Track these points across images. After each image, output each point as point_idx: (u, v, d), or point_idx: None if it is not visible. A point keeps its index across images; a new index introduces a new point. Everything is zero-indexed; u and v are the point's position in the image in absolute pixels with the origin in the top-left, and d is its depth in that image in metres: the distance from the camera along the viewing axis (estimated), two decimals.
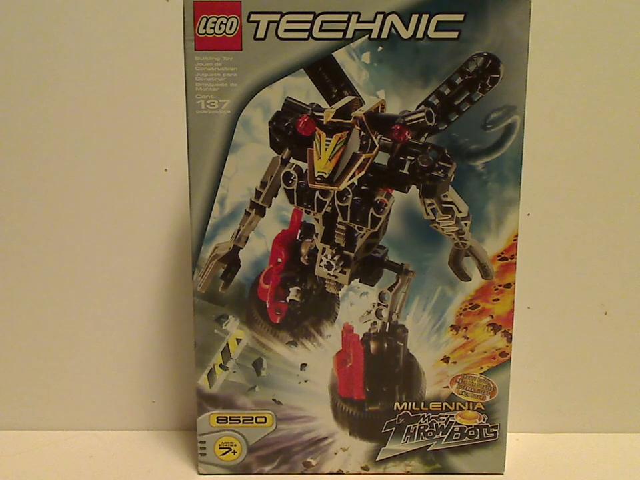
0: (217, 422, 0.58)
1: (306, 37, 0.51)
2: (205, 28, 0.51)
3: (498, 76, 0.51)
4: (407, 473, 0.59)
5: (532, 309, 0.66)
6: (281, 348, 0.57)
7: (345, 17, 0.51)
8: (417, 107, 0.52)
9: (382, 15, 0.50)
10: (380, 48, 0.51)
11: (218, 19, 0.51)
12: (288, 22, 0.51)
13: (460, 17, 0.50)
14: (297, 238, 0.55)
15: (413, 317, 0.56)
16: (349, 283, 0.55)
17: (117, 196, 0.65)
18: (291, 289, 0.56)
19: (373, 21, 0.51)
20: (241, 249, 0.55)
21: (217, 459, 0.59)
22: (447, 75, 0.51)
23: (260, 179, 0.54)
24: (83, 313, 0.67)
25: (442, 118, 0.52)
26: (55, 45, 0.63)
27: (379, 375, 0.57)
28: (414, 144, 0.51)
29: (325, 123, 0.51)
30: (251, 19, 0.51)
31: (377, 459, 0.59)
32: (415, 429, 0.58)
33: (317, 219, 0.54)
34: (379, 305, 0.56)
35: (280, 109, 0.52)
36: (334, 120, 0.50)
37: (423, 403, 0.58)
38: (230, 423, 0.58)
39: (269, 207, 0.54)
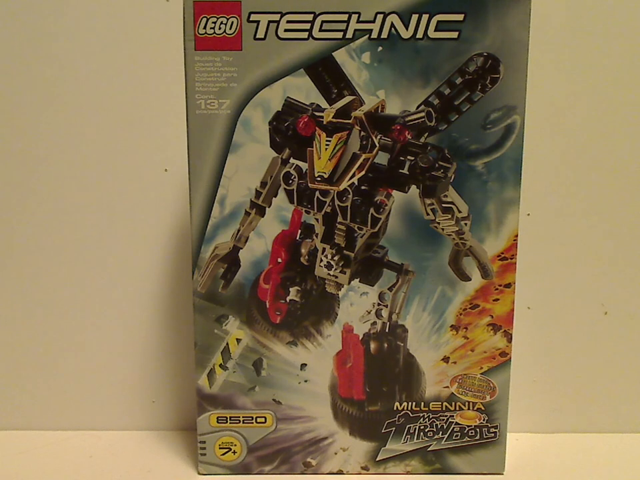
0: (217, 422, 0.58)
1: (306, 36, 0.51)
2: (205, 28, 0.51)
3: (498, 76, 0.51)
4: (407, 472, 0.59)
5: (532, 309, 0.66)
6: (281, 348, 0.57)
7: (345, 17, 0.51)
8: (417, 107, 0.52)
9: (382, 15, 0.50)
10: (380, 48, 0.51)
11: (218, 18, 0.51)
12: (288, 22, 0.51)
13: (460, 17, 0.50)
14: (297, 238, 0.55)
15: (413, 317, 0.56)
16: (349, 283, 0.55)
17: (117, 196, 0.65)
18: (291, 289, 0.56)
19: (373, 21, 0.51)
20: (241, 249, 0.55)
21: (217, 459, 0.59)
22: (447, 75, 0.51)
23: (260, 179, 0.54)
24: (83, 313, 0.67)
25: (442, 118, 0.52)
26: (55, 45, 0.63)
27: (379, 375, 0.57)
28: (414, 144, 0.51)
29: (324, 123, 0.51)
30: (250, 19, 0.51)
31: (377, 459, 0.59)
32: (415, 428, 0.58)
33: (317, 219, 0.54)
34: (378, 304, 0.56)
35: (280, 109, 0.52)
36: (334, 120, 0.50)
37: (422, 403, 0.58)
38: (230, 423, 0.58)
39: (268, 207, 0.54)
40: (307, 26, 0.51)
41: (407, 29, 0.51)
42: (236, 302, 0.56)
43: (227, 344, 0.57)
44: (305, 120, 0.51)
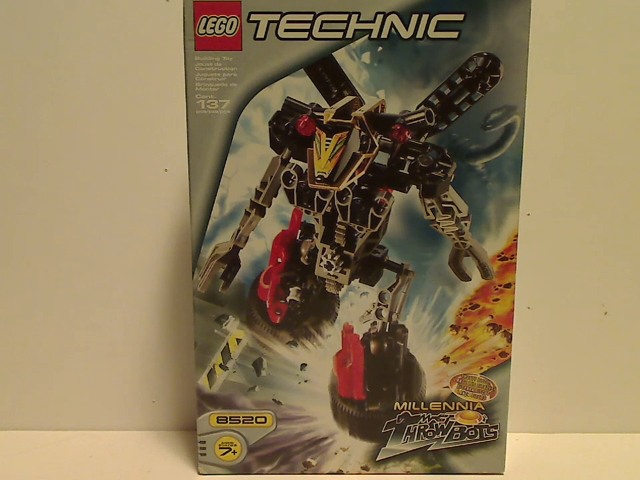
0: (217, 422, 0.58)
1: (306, 36, 0.51)
2: (205, 28, 0.51)
3: (498, 76, 0.51)
4: (407, 472, 0.59)
5: (532, 309, 0.66)
6: (281, 348, 0.57)
7: (345, 17, 0.51)
8: (417, 107, 0.52)
9: (382, 15, 0.50)
10: (380, 48, 0.51)
11: (218, 18, 0.51)
12: (288, 22, 0.51)
13: (460, 17, 0.50)
14: (297, 238, 0.55)
15: (413, 317, 0.56)
16: (349, 283, 0.55)
17: (117, 196, 0.65)
18: (291, 289, 0.56)
19: (373, 21, 0.51)
20: (241, 249, 0.55)
21: (217, 459, 0.59)
22: (447, 75, 0.51)
23: (260, 179, 0.54)
24: (83, 313, 0.67)
25: (442, 118, 0.52)
26: (55, 45, 0.63)
27: (379, 375, 0.57)
28: (414, 144, 0.51)
29: (324, 123, 0.51)
30: (251, 19, 0.51)
31: (377, 459, 0.59)
32: (415, 428, 0.58)
33: (317, 219, 0.54)
34: (378, 304, 0.56)
35: (280, 109, 0.52)
36: (334, 120, 0.50)
37: (422, 403, 0.58)
38: (230, 423, 0.58)
39: (268, 207, 0.54)
40: (307, 26, 0.51)
41: (406, 29, 0.51)
42: (236, 302, 0.56)
43: (227, 344, 0.57)
44: (305, 120, 0.51)
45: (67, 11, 0.62)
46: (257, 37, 0.51)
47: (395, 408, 0.58)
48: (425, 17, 0.50)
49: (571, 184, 0.65)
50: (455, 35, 0.51)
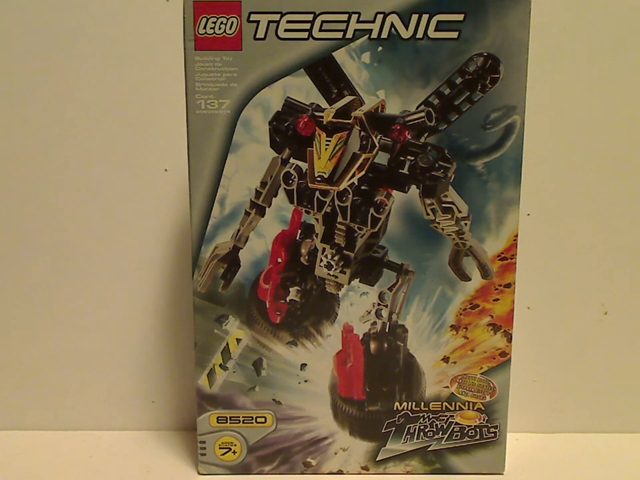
0: (217, 422, 0.58)
1: (306, 37, 0.51)
2: (205, 28, 0.51)
3: (498, 76, 0.51)
4: (407, 472, 0.59)
5: (532, 309, 0.66)
6: (281, 348, 0.57)
7: (345, 17, 0.51)
8: (417, 107, 0.52)
9: (382, 15, 0.50)
10: (380, 48, 0.51)
11: (218, 18, 0.51)
12: (288, 22, 0.51)
13: (460, 17, 0.50)
14: (297, 238, 0.55)
15: (413, 317, 0.56)
16: (349, 283, 0.55)
17: (117, 196, 0.65)
18: (290, 289, 0.56)
19: (373, 21, 0.51)
20: (241, 248, 0.55)
21: (217, 459, 0.59)
22: (447, 75, 0.51)
23: (260, 179, 0.54)
24: (83, 313, 0.67)
25: (442, 118, 0.52)
26: (55, 45, 0.63)
27: (379, 375, 0.57)
28: (414, 144, 0.51)
29: (324, 123, 0.51)
30: (250, 19, 0.51)
31: (377, 459, 0.59)
32: (415, 428, 0.58)
33: (316, 219, 0.54)
34: (378, 305, 0.56)
35: (280, 109, 0.52)
36: (334, 120, 0.50)
37: (423, 403, 0.58)
38: (230, 423, 0.58)
39: (268, 207, 0.54)
40: (307, 26, 0.51)
41: (407, 29, 0.51)
42: (236, 302, 0.56)
43: (227, 344, 0.57)
44: (305, 120, 0.51)
45: (66, 11, 0.62)
46: (257, 37, 0.51)
47: (395, 408, 0.58)
48: (425, 17, 0.50)
49: (571, 184, 0.65)
50: (454, 35, 0.51)
